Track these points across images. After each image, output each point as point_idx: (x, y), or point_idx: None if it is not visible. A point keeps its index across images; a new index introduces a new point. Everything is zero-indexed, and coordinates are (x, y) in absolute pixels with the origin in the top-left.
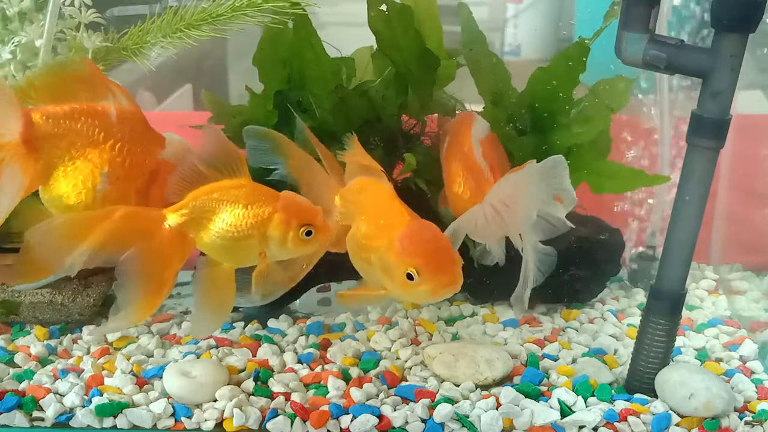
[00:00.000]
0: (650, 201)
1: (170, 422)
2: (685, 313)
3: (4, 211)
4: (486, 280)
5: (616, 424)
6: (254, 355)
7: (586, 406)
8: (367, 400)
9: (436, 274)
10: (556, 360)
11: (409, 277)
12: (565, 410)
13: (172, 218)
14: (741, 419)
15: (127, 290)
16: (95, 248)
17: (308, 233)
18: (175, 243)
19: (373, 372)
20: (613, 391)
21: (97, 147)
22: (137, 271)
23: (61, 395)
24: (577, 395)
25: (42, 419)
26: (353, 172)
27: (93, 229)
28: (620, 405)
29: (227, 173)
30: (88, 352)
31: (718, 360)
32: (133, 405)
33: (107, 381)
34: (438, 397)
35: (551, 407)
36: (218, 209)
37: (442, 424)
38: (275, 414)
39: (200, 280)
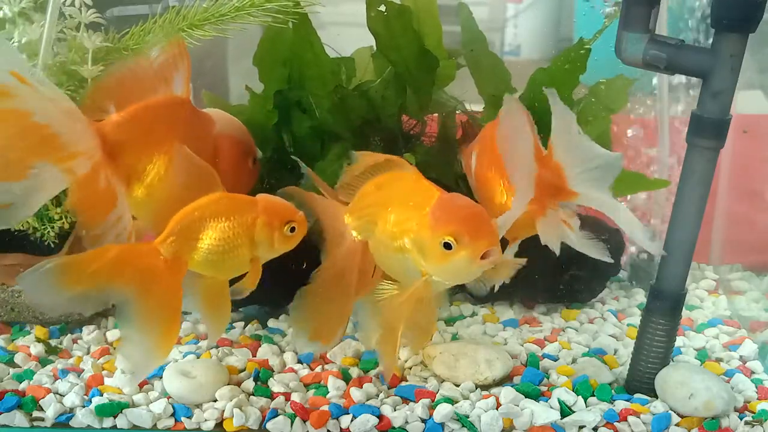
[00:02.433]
0: None
1: (170, 422)
2: (685, 313)
3: (127, 216)
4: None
5: (616, 424)
6: (254, 355)
7: (586, 406)
8: (367, 400)
9: (475, 239)
10: (556, 360)
11: (447, 246)
12: (565, 410)
13: (165, 248)
14: (741, 419)
15: (145, 330)
16: (93, 291)
17: (292, 229)
18: (174, 271)
19: (373, 372)
20: (613, 391)
21: (168, 137)
22: (150, 309)
23: (61, 395)
24: (577, 395)
25: (42, 419)
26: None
27: (86, 273)
28: (620, 405)
29: (203, 190)
30: (88, 352)
31: (718, 360)
32: (133, 405)
33: (107, 381)
34: (438, 397)
35: (551, 407)
36: (203, 227)
37: (442, 424)
38: (275, 414)
39: (196, 297)
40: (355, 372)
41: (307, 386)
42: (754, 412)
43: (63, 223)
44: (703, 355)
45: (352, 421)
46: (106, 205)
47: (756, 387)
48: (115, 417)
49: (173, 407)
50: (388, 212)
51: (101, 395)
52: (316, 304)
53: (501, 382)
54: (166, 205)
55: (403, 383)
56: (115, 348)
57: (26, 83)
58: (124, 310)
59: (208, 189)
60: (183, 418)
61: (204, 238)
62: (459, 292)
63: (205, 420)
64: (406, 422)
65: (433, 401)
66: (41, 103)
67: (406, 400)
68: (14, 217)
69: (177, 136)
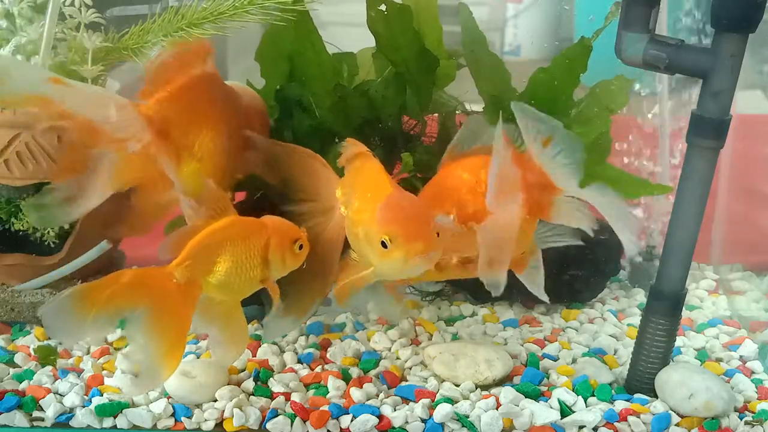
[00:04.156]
0: None
1: (170, 422)
2: (685, 313)
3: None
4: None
5: (616, 424)
6: (254, 355)
7: (586, 406)
8: (367, 400)
9: (408, 240)
10: (556, 360)
11: (384, 245)
12: (565, 410)
13: (180, 272)
14: (741, 419)
15: (150, 349)
16: (108, 315)
17: (300, 247)
18: (187, 295)
19: (373, 372)
20: (613, 391)
21: (209, 110)
22: (157, 330)
23: (61, 395)
24: (577, 395)
25: (42, 419)
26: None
27: (102, 298)
28: (620, 405)
29: (217, 215)
30: (88, 352)
31: (718, 360)
32: (133, 405)
33: (107, 381)
34: (438, 397)
35: (551, 407)
36: (219, 251)
37: (442, 424)
38: (275, 414)
39: (213, 321)
40: (355, 372)
41: (307, 386)
42: (754, 412)
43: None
44: (703, 355)
45: (352, 421)
46: (162, 182)
47: (756, 387)
48: (115, 417)
49: (173, 407)
50: (354, 198)
51: (101, 395)
52: (294, 275)
53: (501, 382)
54: (185, 230)
55: (403, 383)
56: (115, 348)
57: (63, 84)
58: (134, 327)
59: (221, 212)
60: (183, 418)
61: (221, 262)
62: (459, 291)
63: (205, 420)
64: (406, 422)
65: (433, 401)
66: (79, 99)
67: (406, 400)
68: (80, 209)
69: (217, 108)
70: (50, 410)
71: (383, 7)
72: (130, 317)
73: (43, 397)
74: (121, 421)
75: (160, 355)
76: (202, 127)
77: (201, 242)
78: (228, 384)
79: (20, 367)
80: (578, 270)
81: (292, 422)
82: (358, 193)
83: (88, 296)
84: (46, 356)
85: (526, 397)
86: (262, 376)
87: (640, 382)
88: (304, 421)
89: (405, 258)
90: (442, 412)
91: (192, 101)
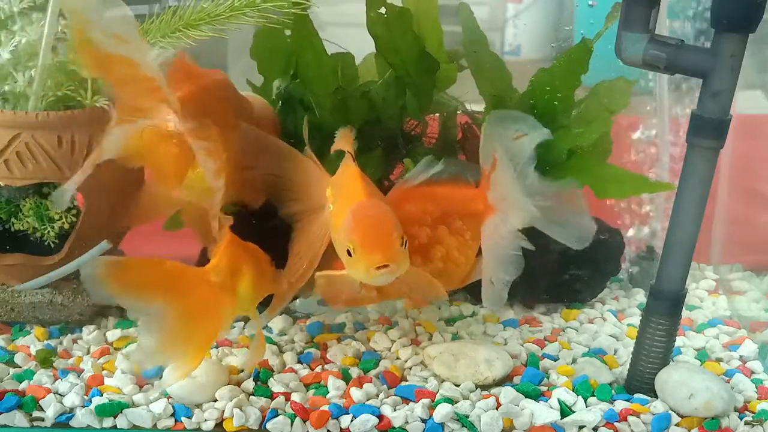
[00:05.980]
0: None
1: (170, 422)
2: (685, 313)
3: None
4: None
5: (616, 424)
6: None
7: (586, 406)
8: (367, 400)
9: (368, 251)
10: (556, 360)
11: (349, 253)
12: (565, 410)
13: (215, 274)
14: (741, 419)
15: (177, 342)
16: (139, 293)
17: None
18: (222, 299)
19: (373, 372)
20: (613, 391)
21: (223, 114)
22: (184, 324)
23: (61, 395)
24: (577, 395)
25: (42, 419)
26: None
27: (143, 275)
28: (620, 405)
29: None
30: (88, 352)
31: (718, 360)
32: (133, 405)
33: (107, 381)
34: (438, 397)
35: (551, 407)
36: (245, 257)
37: (442, 424)
38: (275, 414)
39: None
40: (355, 372)
41: (307, 386)
42: (754, 412)
43: (63, 223)
44: (703, 355)
45: (352, 421)
46: (172, 175)
47: (756, 387)
48: (115, 417)
49: (173, 407)
50: (336, 199)
51: (101, 395)
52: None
53: (501, 382)
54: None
55: (403, 383)
56: (115, 348)
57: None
58: (154, 322)
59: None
60: (183, 418)
61: (247, 268)
62: (459, 291)
63: (205, 420)
64: (406, 422)
65: (433, 401)
66: (148, 57)
67: (406, 400)
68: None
69: (230, 114)
70: (50, 410)
71: (383, 10)
72: (158, 309)
73: (43, 397)
74: (121, 421)
75: (189, 350)
76: (219, 130)
77: (226, 249)
78: (228, 384)
79: (20, 367)
80: (578, 270)
81: (292, 422)
82: (338, 196)
83: (131, 269)
84: (44, 359)
85: (526, 397)
86: (262, 376)
87: (640, 382)
88: (304, 421)
89: (365, 269)
90: (442, 412)
91: (209, 103)
